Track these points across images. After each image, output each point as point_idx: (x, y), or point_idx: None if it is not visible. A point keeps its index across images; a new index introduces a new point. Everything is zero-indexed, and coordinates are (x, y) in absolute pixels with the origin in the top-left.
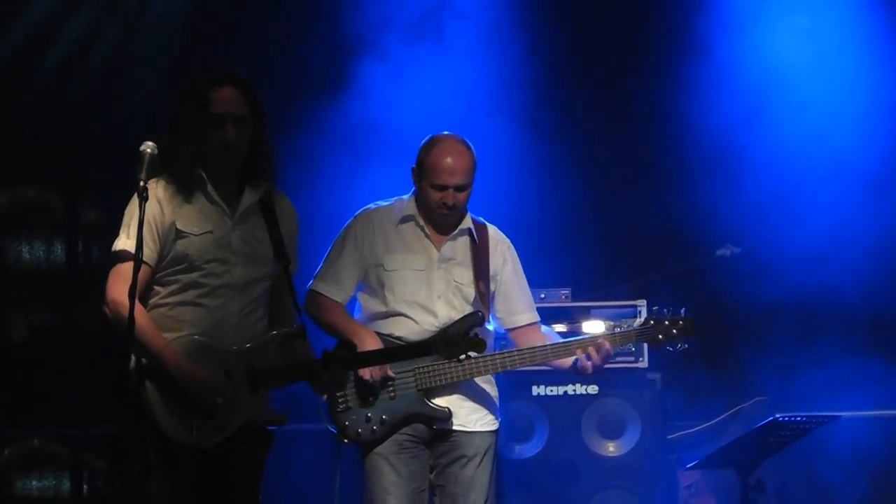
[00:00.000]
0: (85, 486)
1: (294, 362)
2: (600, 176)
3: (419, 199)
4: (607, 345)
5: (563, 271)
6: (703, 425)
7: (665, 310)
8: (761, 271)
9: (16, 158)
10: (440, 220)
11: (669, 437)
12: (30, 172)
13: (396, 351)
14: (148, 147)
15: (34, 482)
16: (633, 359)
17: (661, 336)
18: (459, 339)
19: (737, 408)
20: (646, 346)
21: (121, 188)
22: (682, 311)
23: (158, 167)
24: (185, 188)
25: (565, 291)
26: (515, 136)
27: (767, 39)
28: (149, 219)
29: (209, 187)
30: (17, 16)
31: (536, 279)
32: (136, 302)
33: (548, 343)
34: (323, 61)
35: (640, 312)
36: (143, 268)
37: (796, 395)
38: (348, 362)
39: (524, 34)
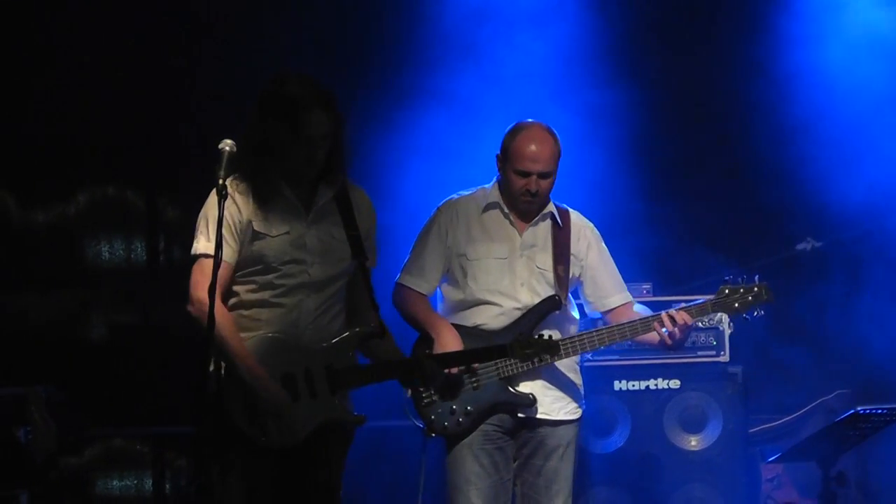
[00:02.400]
0: (167, 486)
1: (372, 364)
2: (683, 168)
3: (503, 185)
4: (685, 315)
5: (645, 266)
6: (785, 418)
7: (739, 278)
8: (842, 265)
9: (95, 157)
10: (523, 208)
11: (751, 430)
12: (109, 171)
13: (473, 353)
14: (227, 145)
15: (116, 481)
16: (714, 352)
17: (737, 305)
18: (533, 342)
19: (819, 400)
20: (727, 339)
21: (200, 186)
22: (756, 277)
23: (237, 165)
24: (262, 190)
25: (647, 286)
26: (599, 131)
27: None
28: (227, 218)
29: (285, 189)
30: (95, 17)
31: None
32: (219, 302)
33: (632, 320)
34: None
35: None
36: (224, 266)
37: (879, 387)
38: (426, 369)
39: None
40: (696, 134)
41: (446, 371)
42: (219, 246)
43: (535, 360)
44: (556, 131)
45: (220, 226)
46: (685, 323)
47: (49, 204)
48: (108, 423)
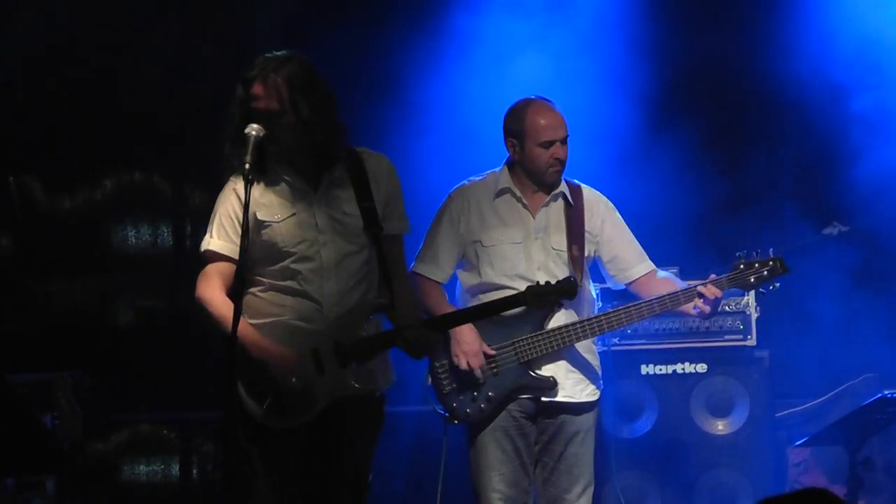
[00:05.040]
0: (194, 471)
1: (376, 334)
2: (708, 152)
3: (519, 167)
4: (714, 289)
5: (671, 250)
6: (812, 402)
7: (754, 252)
8: (870, 248)
9: (122, 143)
10: (552, 179)
11: (778, 414)
12: (136, 156)
13: (485, 308)
14: (253, 129)
15: (142, 467)
16: (741, 336)
17: (752, 279)
18: (548, 287)
19: (846, 384)
20: (754, 323)
21: (230, 172)
22: (770, 251)
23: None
24: (259, 177)
25: (673, 270)
26: (628, 117)
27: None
28: (229, 213)
29: (287, 172)
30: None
31: None
32: (219, 292)
33: (649, 299)
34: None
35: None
36: (226, 261)
37: None
38: (428, 325)
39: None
40: (717, 114)
41: (463, 367)
42: (245, 233)
43: (556, 306)
44: None
45: (246, 210)
46: (715, 297)
47: (75, 190)
48: (134, 408)
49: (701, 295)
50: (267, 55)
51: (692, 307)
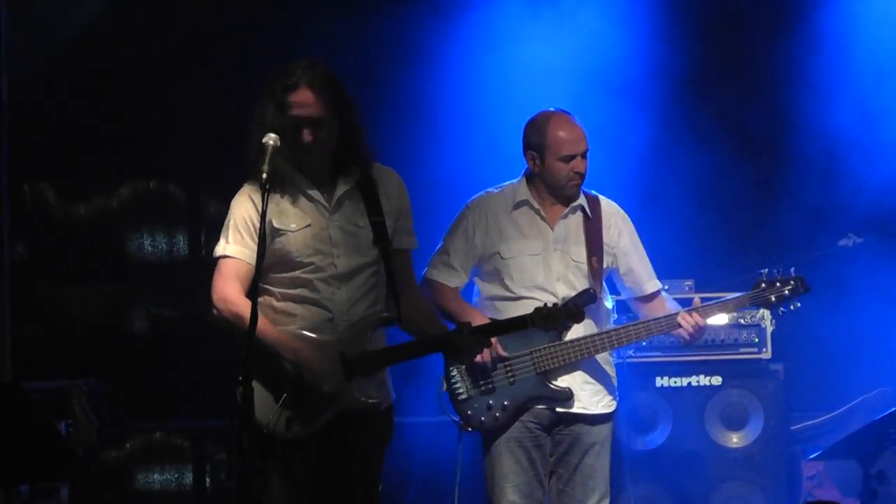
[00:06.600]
0: (207, 479)
1: (386, 347)
2: (723, 162)
3: (539, 180)
4: (698, 318)
5: (687, 262)
6: (826, 416)
7: (775, 271)
8: (884, 261)
9: (137, 151)
10: (571, 192)
11: (793, 427)
12: (151, 164)
13: (493, 326)
14: (271, 139)
15: (156, 475)
16: (756, 349)
17: (773, 298)
18: (556, 310)
19: (860, 398)
20: (769, 336)
21: (244, 180)
22: (792, 270)
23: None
24: (276, 186)
25: (689, 282)
26: (642, 127)
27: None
28: (245, 219)
29: (303, 182)
30: (135, 8)
31: (659, 270)
32: (240, 293)
33: (657, 316)
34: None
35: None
36: (244, 266)
37: None
38: (478, 331)
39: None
40: (738, 126)
41: (477, 361)
42: (262, 239)
43: (562, 329)
44: None
45: (263, 219)
46: (698, 325)
47: (91, 197)
48: (148, 416)
49: (688, 321)
50: (299, 62)
51: (681, 328)
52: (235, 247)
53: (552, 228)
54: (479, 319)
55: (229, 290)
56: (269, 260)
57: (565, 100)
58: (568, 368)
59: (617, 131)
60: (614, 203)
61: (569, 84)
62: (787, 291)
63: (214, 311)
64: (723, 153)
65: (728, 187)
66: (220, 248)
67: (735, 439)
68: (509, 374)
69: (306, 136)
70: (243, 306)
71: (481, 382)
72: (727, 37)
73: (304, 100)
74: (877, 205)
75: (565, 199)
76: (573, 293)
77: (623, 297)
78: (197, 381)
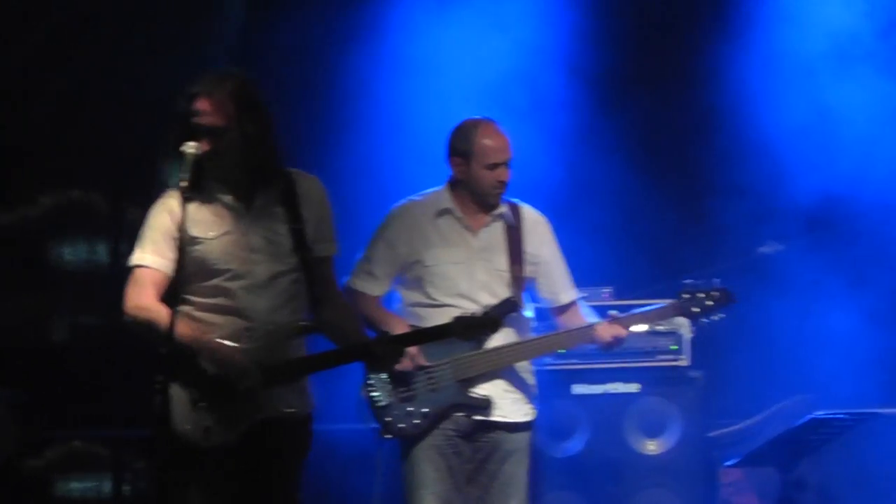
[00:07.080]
0: (126, 488)
1: (305, 356)
2: (642, 171)
3: (463, 188)
4: (618, 328)
5: (605, 269)
6: (745, 423)
7: (699, 282)
8: (804, 267)
9: (59, 159)
10: (494, 201)
11: (711, 434)
12: (73, 173)
13: (413, 335)
14: (190, 147)
15: (75, 483)
16: (674, 357)
17: (695, 309)
18: (476, 319)
19: (778, 405)
20: (687, 344)
21: (165, 189)
22: (716, 281)
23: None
24: (195, 194)
25: (607, 290)
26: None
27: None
28: (161, 228)
29: (221, 190)
30: (56, 17)
31: (577, 277)
32: (155, 300)
33: (580, 326)
34: None
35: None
36: (161, 276)
37: (840, 392)
38: (395, 340)
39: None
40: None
41: (399, 366)
42: (181, 249)
43: (481, 338)
44: None
45: (182, 227)
46: (618, 336)
47: (12, 206)
48: (68, 425)
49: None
50: (210, 71)
51: (600, 338)
52: (151, 256)
53: (475, 237)
54: (400, 328)
55: (144, 297)
56: (188, 269)
57: (487, 105)
58: (488, 376)
59: (537, 137)
60: (536, 210)
61: (490, 89)
62: (710, 302)
63: (126, 317)
64: (644, 159)
65: (649, 194)
66: (137, 258)
67: (653, 446)
68: (430, 381)
69: (203, 144)
70: (160, 312)
71: (401, 390)
72: (650, 40)
73: (202, 108)
74: (796, 211)
75: (488, 206)
76: (496, 301)
77: (529, 313)
78: (116, 390)
